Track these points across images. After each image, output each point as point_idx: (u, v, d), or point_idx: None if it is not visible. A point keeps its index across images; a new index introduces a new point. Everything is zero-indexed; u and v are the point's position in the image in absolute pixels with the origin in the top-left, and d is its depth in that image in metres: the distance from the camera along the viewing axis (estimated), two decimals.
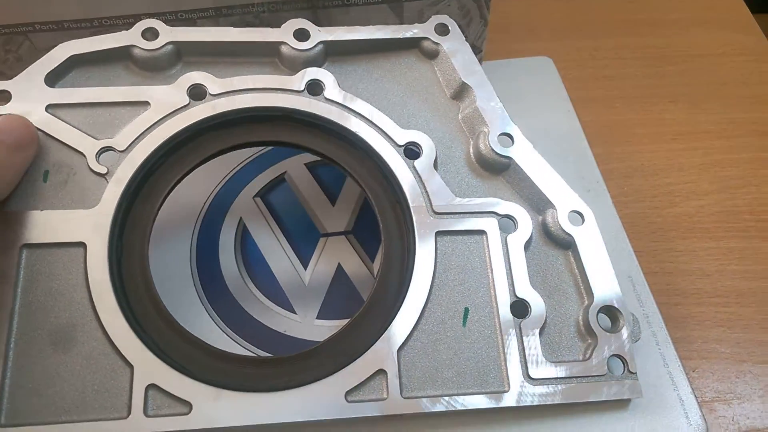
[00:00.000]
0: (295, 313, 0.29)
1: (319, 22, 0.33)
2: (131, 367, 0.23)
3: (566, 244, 0.27)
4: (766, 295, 0.30)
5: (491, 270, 0.26)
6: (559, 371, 0.24)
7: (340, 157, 0.28)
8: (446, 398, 0.24)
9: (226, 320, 0.29)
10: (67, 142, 0.26)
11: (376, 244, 0.31)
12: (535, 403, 0.24)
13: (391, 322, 0.24)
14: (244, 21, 0.32)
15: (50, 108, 0.27)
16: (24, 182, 0.26)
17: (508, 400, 0.24)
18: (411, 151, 0.27)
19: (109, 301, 0.24)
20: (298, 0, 0.32)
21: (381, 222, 0.27)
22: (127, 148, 0.26)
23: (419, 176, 0.27)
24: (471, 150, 0.28)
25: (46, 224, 0.25)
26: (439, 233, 0.26)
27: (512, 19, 0.41)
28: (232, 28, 0.29)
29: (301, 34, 0.28)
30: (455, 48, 0.29)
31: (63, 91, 0.27)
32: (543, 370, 0.24)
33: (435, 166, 0.27)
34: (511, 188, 0.28)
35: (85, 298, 0.24)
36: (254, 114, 0.28)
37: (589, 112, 0.36)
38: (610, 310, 0.26)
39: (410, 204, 0.26)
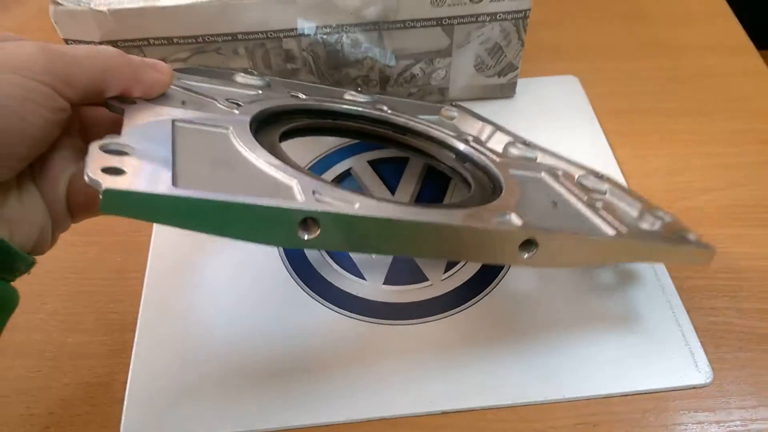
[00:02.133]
0: (365, 279, 0.35)
1: (384, 43, 0.39)
2: (294, 180, 0.24)
3: (602, 191, 0.34)
4: (764, 272, 0.35)
5: (557, 187, 0.33)
6: (643, 227, 0.31)
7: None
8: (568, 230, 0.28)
9: (310, 287, 0.34)
10: (199, 92, 0.31)
11: None
12: (640, 241, 0.29)
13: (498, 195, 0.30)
14: (322, 40, 0.39)
15: (180, 78, 0.32)
16: (164, 100, 0.28)
17: (620, 237, 0.28)
18: (465, 140, 0.37)
19: (260, 151, 0.26)
20: (367, 23, 0.38)
21: (460, 171, 0.35)
22: (249, 103, 0.31)
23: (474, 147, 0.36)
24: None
25: (193, 115, 0.27)
26: (510, 166, 0.34)
27: (544, 42, 0.47)
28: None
29: (359, 90, 0.39)
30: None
31: (187, 75, 0.33)
32: (632, 226, 0.30)
33: None
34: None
35: (234, 147, 0.26)
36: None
37: (611, 123, 0.42)
38: (658, 215, 0.32)
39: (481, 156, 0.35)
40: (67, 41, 0.38)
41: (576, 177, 0.35)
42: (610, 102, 0.43)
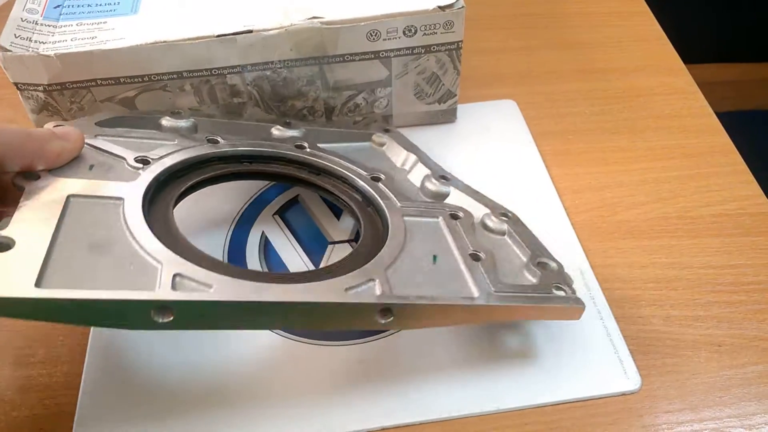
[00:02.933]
0: None
1: (325, 76, 0.41)
2: (160, 263, 0.27)
3: (501, 232, 0.36)
4: (690, 281, 0.37)
5: (447, 237, 0.33)
6: (514, 290, 0.31)
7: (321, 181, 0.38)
8: (426, 297, 0.29)
9: None
10: (111, 151, 0.33)
11: None
12: (501, 303, 0.30)
13: (377, 253, 0.31)
14: (265, 75, 0.41)
15: (98, 135, 0.34)
16: (73, 167, 0.31)
17: (479, 300, 0.30)
18: (376, 178, 0.38)
19: (142, 227, 0.28)
20: (308, 58, 0.40)
21: (360, 215, 0.35)
22: (159, 158, 0.33)
23: (380, 189, 0.37)
24: (420, 189, 0.39)
25: (92, 185, 0.30)
26: (404, 214, 0.34)
27: (482, 69, 0.49)
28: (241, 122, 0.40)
29: (287, 124, 0.40)
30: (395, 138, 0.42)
31: (108, 129, 0.35)
32: (501, 287, 0.31)
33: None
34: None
35: (120, 221, 0.28)
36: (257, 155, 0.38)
37: (547, 144, 0.44)
38: (543, 263, 0.34)
39: (380, 201, 0.35)
40: (17, 85, 0.39)
41: (480, 217, 0.36)
42: (546, 124, 0.46)
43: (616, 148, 0.44)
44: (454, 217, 0.35)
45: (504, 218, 0.36)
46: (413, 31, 0.40)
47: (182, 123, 0.38)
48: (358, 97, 0.43)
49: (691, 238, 0.39)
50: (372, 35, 0.39)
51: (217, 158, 0.36)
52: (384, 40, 0.40)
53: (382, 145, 0.42)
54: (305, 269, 0.37)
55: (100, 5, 0.41)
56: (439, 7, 0.39)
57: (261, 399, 0.32)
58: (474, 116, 0.46)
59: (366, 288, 0.29)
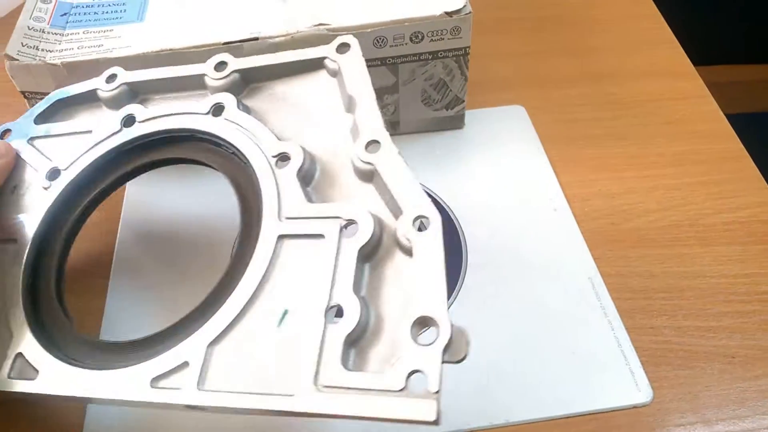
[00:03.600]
0: None
1: None
2: (11, 335, 0.28)
3: (408, 252, 0.25)
4: (703, 291, 0.36)
5: (317, 275, 0.24)
6: (351, 380, 0.22)
7: (227, 169, 0.30)
8: (233, 395, 0.23)
9: None
10: (32, 164, 0.33)
11: None
12: (313, 410, 0.22)
13: (209, 319, 0.25)
14: None
15: (30, 140, 0.34)
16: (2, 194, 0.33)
17: (285, 405, 0.22)
18: (283, 162, 0.28)
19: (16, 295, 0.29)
20: None
21: (241, 228, 0.28)
22: (67, 167, 0.32)
23: (277, 184, 0.27)
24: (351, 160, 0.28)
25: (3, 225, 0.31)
26: (281, 237, 0.26)
27: (490, 74, 0.48)
28: (168, 67, 0.34)
29: (220, 65, 0.33)
30: (350, 64, 0.31)
31: (42, 126, 0.34)
32: (335, 377, 0.22)
33: (306, 176, 0.28)
34: (378, 196, 0.27)
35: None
36: (165, 136, 0.32)
37: (556, 150, 0.44)
38: (427, 322, 0.23)
39: (263, 211, 0.27)
40: (24, 93, 0.39)
41: (395, 230, 0.25)
42: (555, 129, 0.45)
43: (627, 155, 0.44)
44: (348, 231, 0.25)
45: (418, 228, 0.25)
46: (420, 37, 0.39)
47: (116, 92, 0.33)
48: None
49: (703, 247, 0.38)
50: (378, 42, 0.39)
51: (127, 150, 0.33)
52: (391, 46, 0.39)
53: (335, 74, 0.32)
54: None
55: (107, 13, 0.41)
56: (446, 12, 0.38)
57: None
58: (482, 122, 0.46)
59: (175, 379, 0.24)
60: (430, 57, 0.40)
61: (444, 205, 0.40)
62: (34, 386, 0.26)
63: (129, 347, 0.27)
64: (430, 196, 0.40)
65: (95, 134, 0.33)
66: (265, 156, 0.29)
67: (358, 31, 0.38)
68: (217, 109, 0.31)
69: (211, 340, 0.24)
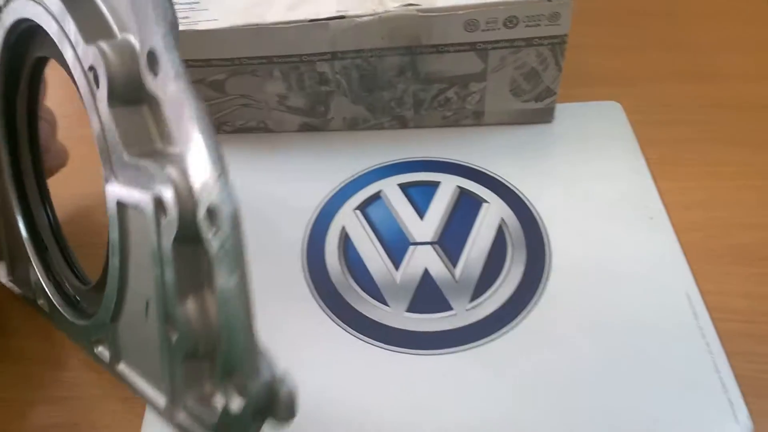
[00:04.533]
0: (388, 306, 0.34)
1: (417, 67, 0.39)
2: None
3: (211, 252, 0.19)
4: None
5: (151, 266, 0.21)
6: (194, 418, 0.22)
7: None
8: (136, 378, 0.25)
9: (331, 309, 0.34)
10: None
11: (459, 251, 0.36)
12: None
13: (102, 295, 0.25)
14: (355, 64, 0.39)
15: None
16: None
17: (164, 415, 0.23)
18: (94, 78, 0.22)
19: None
20: (400, 47, 0.38)
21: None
22: None
23: (98, 112, 0.22)
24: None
25: None
26: (119, 204, 0.22)
27: (585, 66, 0.45)
28: None
29: None
30: None
31: None
32: (186, 407, 0.22)
33: (121, 100, 0.21)
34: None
35: None
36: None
37: (655, 152, 0.40)
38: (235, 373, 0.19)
39: (101, 160, 0.23)
40: None
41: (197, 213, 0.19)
42: (654, 130, 0.42)
43: (733, 162, 0.40)
44: (160, 207, 0.20)
45: (212, 227, 0.18)
46: (515, 22, 0.37)
47: None
48: (450, 91, 0.41)
49: None
50: (470, 25, 0.37)
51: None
52: (482, 30, 0.37)
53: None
54: (384, 269, 0.35)
55: None
56: None
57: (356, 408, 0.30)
58: (573, 117, 0.43)
59: (104, 348, 0.27)
60: (523, 44, 0.38)
61: (527, 202, 0.38)
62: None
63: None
64: (512, 191, 0.38)
65: None
66: (80, 65, 0.22)
67: (449, 13, 0.36)
68: None
69: (111, 313, 0.25)
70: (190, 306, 0.20)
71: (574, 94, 0.43)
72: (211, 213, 0.18)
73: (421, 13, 0.36)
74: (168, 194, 0.19)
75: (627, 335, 0.32)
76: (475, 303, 0.34)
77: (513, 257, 0.35)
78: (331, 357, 0.32)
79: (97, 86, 0.21)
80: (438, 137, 0.42)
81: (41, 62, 0.29)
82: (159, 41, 0.19)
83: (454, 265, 0.35)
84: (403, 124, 0.43)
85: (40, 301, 0.32)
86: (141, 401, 0.30)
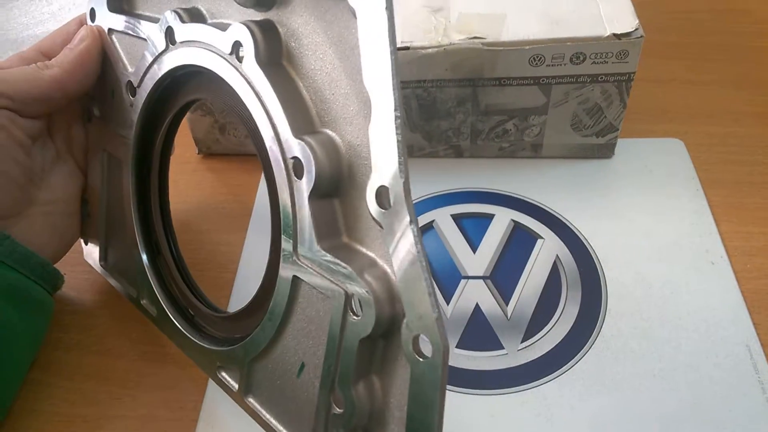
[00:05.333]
0: None
1: (477, 99, 0.39)
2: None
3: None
4: None
5: (325, 346, 0.23)
6: None
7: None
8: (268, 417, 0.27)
9: None
10: (114, 63, 0.32)
11: (511, 288, 0.35)
12: None
13: (251, 335, 0.27)
14: (415, 94, 0.39)
15: (110, 32, 0.32)
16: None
17: None
18: (297, 171, 0.23)
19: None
20: (462, 79, 0.38)
21: (271, 244, 0.25)
22: (138, 83, 0.30)
23: (293, 202, 0.23)
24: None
25: None
26: (296, 278, 0.24)
27: (648, 102, 0.44)
28: None
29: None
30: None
31: (117, 17, 0.31)
32: None
33: (320, 194, 0.22)
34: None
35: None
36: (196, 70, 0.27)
37: (717, 194, 0.39)
38: None
39: (281, 238, 0.24)
40: None
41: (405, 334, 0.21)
42: (717, 171, 0.41)
43: None
44: (352, 309, 0.22)
45: (416, 352, 0.20)
46: (581, 58, 0.36)
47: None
48: (509, 123, 0.40)
49: None
50: (535, 60, 0.37)
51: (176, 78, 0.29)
52: (547, 66, 0.37)
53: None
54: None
55: None
56: (615, 35, 0.35)
57: None
58: (634, 154, 0.42)
59: (231, 376, 0.29)
60: (588, 80, 0.37)
61: (584, 240, 0.37)
62: None
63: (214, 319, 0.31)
64: (568, 227, 0.37)
65: (150, 45, 0.29)
66: (281, 155, 0.23)
67: (515, 48, 0.36)
68: (235, 47, 0.24)
69: (254, 355, 0.27)
70: (360, 389, 0.22)
71: (636, 129, 0.43)
72: (421, 341, 0.20)
73: (486, 47, 0.36)
74: (366, 298, 0.21)
75: (685, 385, 0.31)
76: (527, 343, 0.33)
77: (567, 296, 0.35)
78: None
79: (298, 177, 0.22)
80: (494, 169, 0.42)
81: (191, 104, 0.30)
82: (398, 186, 0.20)
83: (507, 302, 0.35)
84: (458, 153, 0.42)
85: (144, 301, 0.33)
86: (190, 424, 0.31)
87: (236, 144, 0.44)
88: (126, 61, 0.32)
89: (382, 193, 0.20)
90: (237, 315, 0.29)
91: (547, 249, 0.37)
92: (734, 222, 0.38)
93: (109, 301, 0.37)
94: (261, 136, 0.23)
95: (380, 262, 0.22)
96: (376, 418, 0.23)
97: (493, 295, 0.35)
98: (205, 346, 0.30)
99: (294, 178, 0.23)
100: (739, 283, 0.35)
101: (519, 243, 0.38)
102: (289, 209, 0.23)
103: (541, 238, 0.38)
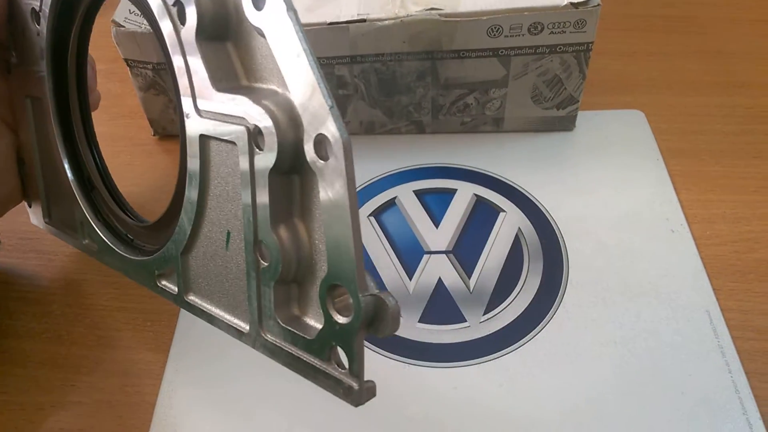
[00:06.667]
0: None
1: (437, 72, 0.38)
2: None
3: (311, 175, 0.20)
4: None
5: (241, 196, 0.22)
6: (285, 337, 0.22)
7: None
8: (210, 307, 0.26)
9: None
10: None
11: (474, 261, 0.35)
12: (265, 354, 0.23)
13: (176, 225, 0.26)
14: (374, 68, 0.38)
15: None
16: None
17: (245, 339, 0.24)
18: (180, 14, 0.22)
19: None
20: (421, 52, 0.37)
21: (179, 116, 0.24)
22: (40, 7, 0.29)
23: (183, 50, 0.22)
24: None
25: None
26: (203, 137, 0.23)
27: (608, 74, 0.44)
28: None
29: None
30: None
31: None
32: (273, 328, 0.23)
33: (208, 35, 0.21)
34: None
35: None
36: None
37: (677, 163, 0.39)
38: (337, 288, 0.20)
39: (180, 93, 0.23)
40: (127, 61, 0.39)
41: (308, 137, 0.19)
42: (677, 141, 0.41)
43: (758, 175, 0.39)
44: (255, 140, 0.21)
45: (319, 157, 0.19)
46: (539, 28, 0.36)
47: None
48: (469, 97, 0.40)
49: None
50: (493, 31, 0.36)
51: None
52: (505, 36, 0.36)
53: None
54: (396, 278, 0.34)
55: None
56: (572, 3, 0.35)
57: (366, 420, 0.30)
58: (595, 125, 0.42)
59: (169, 281, 0.28)
60: (547, 51, 0.37)
61: (546, 212, 0.37)
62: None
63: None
64: (530, 200, 0.37)
65: None
66: (164, 4, 0.22)
67: (472, 18, 0.35)
68: None
69: (182, 245, 0.25)
70: (283, 234, 0.21)
71: (596, 101, 0.43)
72: (322, 142, 0.19)
73: (443, 18, 0.36)
74: (267, 125, 0.20)
75: (645, 352, 0.31)
76: (489, 315, 0.33)
77: (529, 269, 0.35)
78: None
79: (182, 23, 0.21)
80: (456, 143, 0.41)
81: (98, 2, 0.29)
82: None
83: (469, 275, 0.35)
84: (420, 129, 0.42)
85: (86, 241, 0.32)
86: (147, 408, 0.30)
87: None
88: None
89: None
90: (165, 214, 0.28)
91: (509, 222, 0.37)
92: (694, 190, 0.38)
93: (62, 287, 0.36)
94: None
95: (281, 90, 0.20)
96: (306, 266, 0.21)
97: (455, 269, 0.35)
98: (142, 258, 0.29)
99: (179, 24, 0.22)
100: (698, 250, 0.35)
101: (481, 217, 0.38)
102: (180, 58, 0.22)
103: (503, 211, 0.38)
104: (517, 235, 0.36)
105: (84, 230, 0.32)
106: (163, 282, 0.28)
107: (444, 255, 0.36)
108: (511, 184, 0.39)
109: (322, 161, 0.19)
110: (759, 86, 0.44)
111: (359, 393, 0.20)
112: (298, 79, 0.19)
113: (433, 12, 0.36)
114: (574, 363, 0.31)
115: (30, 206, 0.36)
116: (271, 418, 0.30)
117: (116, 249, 0.30)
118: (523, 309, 0.33)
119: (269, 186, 0.20)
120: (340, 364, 0.21)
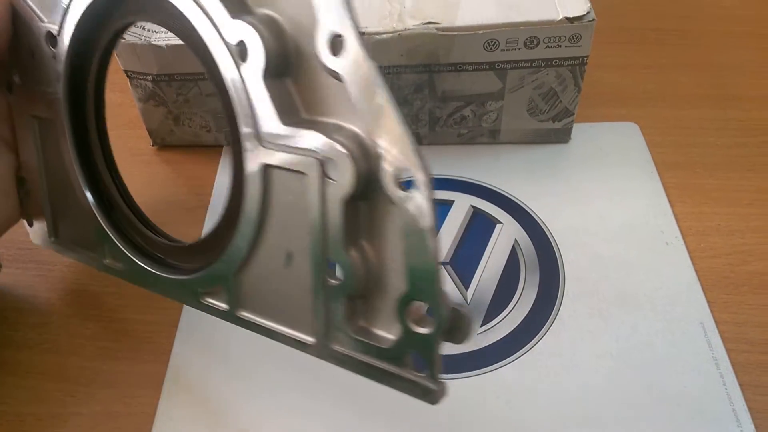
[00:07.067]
0: None
1: (434, 85, 0.39)
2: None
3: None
4: None
5: (307, 220, 0.23)
6: (355, 347, 0.24)
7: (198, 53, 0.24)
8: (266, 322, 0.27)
9: None
10: (28, 19, 0.30)
11: (471, 273, 0.35)
12: (334, 363, 0.25)
13: (228, 246, 0.26)
14: None
15: None
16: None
17: (310, 351, 0.25)
18: (242, 55, 0.22)
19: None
20: (418, 65, 0.38)
21: (232, 148, 0.25)
22: (58, 31, 0.28)
23: (246, 88, 0.23)
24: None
25: None
26: (266, 166, 0.23)
27: (603, 87, 0.45)
28: None
29: None
30: None
31: None
32: (342, 340, 0.24)
33: (276, 72, 0.22)
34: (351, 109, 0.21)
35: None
36: None
37: (671, 175, 0.40)
38: (412, 302, 0.22)
39: (240, 128, 0.23)
40: (127, 72, 0.39)
41: (391, 173, 0.21)
42: (671, 153, 0.41)
43: (752, 188, 0.39)
44: (326, 170, 0.22)
45: (402, 188, 0.21)
46: (535, 42, 0.36)
47: None
48: (466, 109, 0.40)
49: None
50: (489, 45, 0.37)
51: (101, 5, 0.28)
52: (502, 50, 0.37)
53: None
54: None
55: None
56: (567, 18, 0.35)
57: None
58: (590, 138, 0.42)
59: (217, 299, 0.28)
60: (543, 64, 0.37)
61: (542, 224, 0.38)
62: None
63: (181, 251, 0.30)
64: (526, 212, 0.37)
65: None
66: (224, 42, 0.23)
67: (469, 32, 0.36)
68: None
69: (237, 266, 0.26)
70: (353, 254, 0.22)
71: (591, 114, 0.43)
72: (404, 178, 0.20)
73: (440, 32, 0.36)
74: (342, 158, 0.21)
75: (640, 364, 0.31)
76: (486, 327, 0.33)
77: (526, 280, 0.35)
78: (336, 378, 0.32)
79: (243, 60, 0.22)
80: (453, 155, 0.42)
81: (126, 27, 0.29)
82: (348, 29, 0.20)
83: (466, 287, 0.35)
84: (417, 141, 0.42)
85: (107, 261, 0.32)
86: (146, 419, 0.30)
87: (191, 135, 0.43)
88: (40, 13, 0.30)
89: (334, 42, 0.20)
90: (211, 236, 0.28)
91: (506, 234, 0.37)
92: (688, 203, 0.39)
93: (61, 298, 0.36)
94: (194, 26, 0.23)
95: (346, 124, 0.22)
96: (373, 282, 0.23)
97: (452, 280, 0.35)
98: (184, 278, 0.29)
99: (239, 62, 0.22)
100: (693, 263, 0.35)
101: (478, 228, 0.38)
102: (243, 93, 0.23)
103: (500, 222, 0.38)
104: (513, 246, 0.37)
105: (106, 250, 0.32)
106: (209, 300, 0.28)
107: (441, 266, 0.36)
108: (507, 195, 0.39)
109: (404, 193, 0.20)
110: (752, 99, 0.44)
111: (437, 393, 0.23)
112: (382, 123, 0.20)
113: (431, 26, 0.36)
114: (570, 375, 0.31)
115: (31, 225, 0.36)
116: (271, 430, 0.30)
117: (148, 268, 0.30)
118: (519, 321, 0.33)
119: (342, 212, 0.22)
120: (415, 369, 0.23)
